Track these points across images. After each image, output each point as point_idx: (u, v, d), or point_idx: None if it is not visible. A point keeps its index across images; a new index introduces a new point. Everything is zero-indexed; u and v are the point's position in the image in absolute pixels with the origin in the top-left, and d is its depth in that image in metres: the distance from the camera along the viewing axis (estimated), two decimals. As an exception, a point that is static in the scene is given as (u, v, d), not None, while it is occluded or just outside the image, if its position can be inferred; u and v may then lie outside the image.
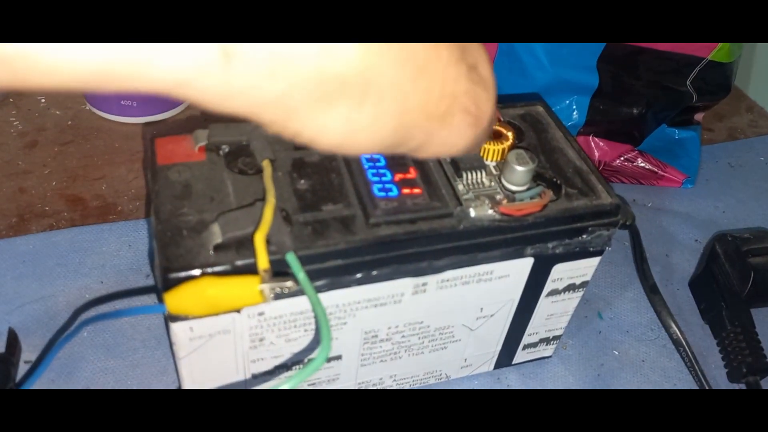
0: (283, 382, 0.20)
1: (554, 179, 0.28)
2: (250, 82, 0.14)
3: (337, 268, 0.24)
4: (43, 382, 0.31)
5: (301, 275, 0.22)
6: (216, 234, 0.23)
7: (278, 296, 0.22)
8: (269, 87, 0.14)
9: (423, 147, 0.18)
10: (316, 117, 0.15)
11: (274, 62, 0.14)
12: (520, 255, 0.27)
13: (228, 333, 0.24)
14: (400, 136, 0.17)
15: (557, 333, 0.33)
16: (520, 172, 0.26)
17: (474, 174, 0.27)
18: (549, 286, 0.29)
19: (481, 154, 0.28)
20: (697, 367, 0.35)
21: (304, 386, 0.29)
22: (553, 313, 0.31)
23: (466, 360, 0.32)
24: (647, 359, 0.36)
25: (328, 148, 0.16)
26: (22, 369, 0.31)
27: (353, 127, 0.16)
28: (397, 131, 0.17)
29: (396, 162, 0.27)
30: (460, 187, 0.26)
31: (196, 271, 0.22)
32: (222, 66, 0.14)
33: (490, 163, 0.28)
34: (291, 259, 0.22)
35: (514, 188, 0.26)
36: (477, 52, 0.18)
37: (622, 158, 0.45)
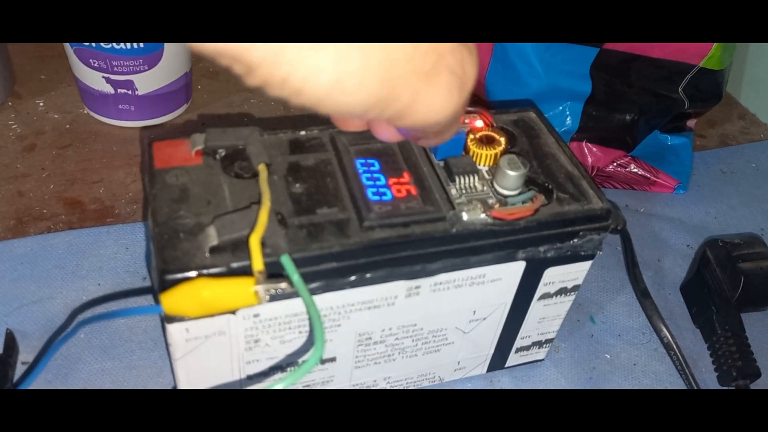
0: (276, 383, 0.21)
1: (546, 184, 0.28)
2: None
3: (332, 271, 0.24)
4: (40, 383, 0.32)
5: (295, 277, 0.22)
6: (212, 236, 0.23)
7: (273, 298, 0.23)
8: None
9: (410, 108, 0.18)
10: (305, 58, 0.15)
11: None
12: (512, 258, 0.27)
13: (223, 334, 0.25)
14: (387, 91, 0.17)
15: (549, 336, 0.34)
16: (512, 176, 0.26)
17: (467, 178, 0.27)
18: (541, 289, 0.30)
19: (474, 159, 0.28)
20: (687, 371, 0.35)
21: (299, 388, 0.30)
22: (545, 317, 0.32)
23: (459, 363, 0.33)
24: (639, 363, 0.36)
25: (316, 98, 0.16)
26: (20, 370, 0.32)
27: (341, 71, 0.16)
28: (384, 84, 0.17)
29: (390, 166, 0.27)
30: (453, 191, 0.27)
31: (192, 273, 0.22)
32: None
33: (483, 168, 0.28)
34: (286, 261, 0.23)
35: (506, 192, 0.27)
36: None
37: (614, 164, 0.45)
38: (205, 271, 0.22)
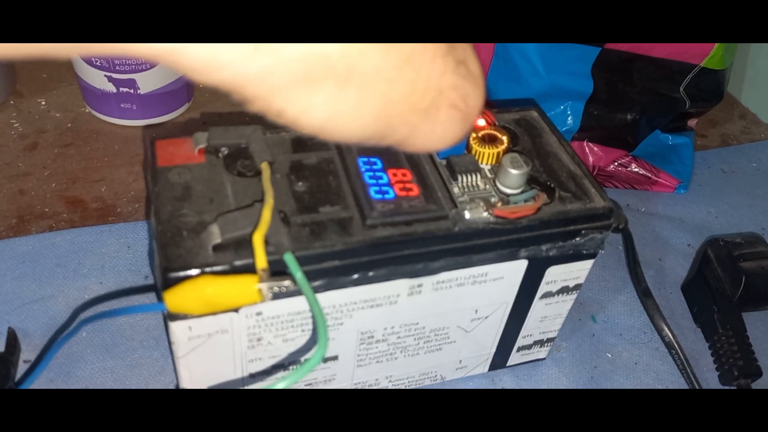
0: (279, 381, 0.21)
1: (548, 183, 0.28)
2: (235, 55, 0.14)
3: (334, 269, 0.24)
4: (42, 381, 0.32)
5: (298, 275, 0.22)
6: (215, 234, 0.23)
7: (276, 296, 0.23)
8: (253, 62, 0.14)
9: (409, 140, 0.18)
10: (300, 96, 0.15)
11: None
12: (514, 257, 0.27)
13: (226, 332, 0.25)
14: (383, 126, 0.17)
15: (551, 335, 0.34)
16: (514, 175, 0.26)
17: (469, 177, 0.27)
18: (543, 288, 0.30)
19: (476, 157, 0.28)
20: (689, 370, 0.35)
21: (301, 386, 0.30)
22: (546, 316, 0.32)
23: (461, 361, 0.33)
24: (640, 362, 0.36)
25: (311, 130, 0.16)
26: (22, 368, 0.32)
27: (336, 110, 0.16)
28: (380, 120, 0.17)
29: (392, 165, 0.27)
30: (456, 189, 0.27)
31: (195, 271, 0.22)
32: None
33: (485, 167, 0.28)
34: (289, 259, 0.23)
35: (508, 191, 0.27)
36: (465, 48, 0.18)
37: (616, 163, 0.45)
38: (208, 269, 0.22)
